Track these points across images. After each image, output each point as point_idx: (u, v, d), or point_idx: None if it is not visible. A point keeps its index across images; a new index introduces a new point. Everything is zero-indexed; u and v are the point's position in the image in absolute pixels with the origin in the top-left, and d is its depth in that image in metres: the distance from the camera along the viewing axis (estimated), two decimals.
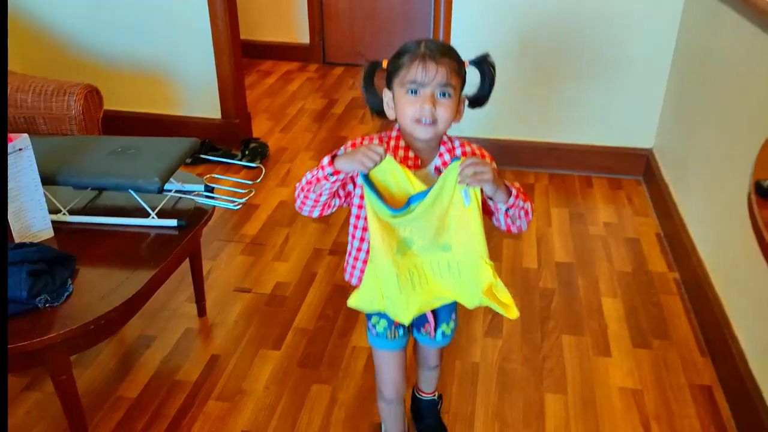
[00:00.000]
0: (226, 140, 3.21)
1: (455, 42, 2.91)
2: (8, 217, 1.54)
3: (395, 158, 1.17)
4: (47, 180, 1.62)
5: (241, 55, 3.22)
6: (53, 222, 1.66)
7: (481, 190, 1.16)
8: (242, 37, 3.31)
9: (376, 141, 1.21)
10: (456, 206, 1.16)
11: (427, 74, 1.13)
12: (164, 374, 1.87)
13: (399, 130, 1.23)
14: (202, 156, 1.92)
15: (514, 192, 1.19)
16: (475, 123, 2.76)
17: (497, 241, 2.49)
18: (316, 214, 1.23)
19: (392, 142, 1.23)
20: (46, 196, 1.62)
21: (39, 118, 2.42)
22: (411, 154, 1.22)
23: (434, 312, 1.37)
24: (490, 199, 1.19)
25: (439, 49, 1.16)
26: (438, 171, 1.22)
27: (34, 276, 1.37)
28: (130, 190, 1.70)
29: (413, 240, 1.19)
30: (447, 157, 1.23)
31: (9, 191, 1.51)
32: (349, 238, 1.31)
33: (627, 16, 2.75)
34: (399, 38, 4.59)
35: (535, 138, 3.06)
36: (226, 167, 2.99)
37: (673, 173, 2.65)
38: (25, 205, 1.56)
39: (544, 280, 2.29)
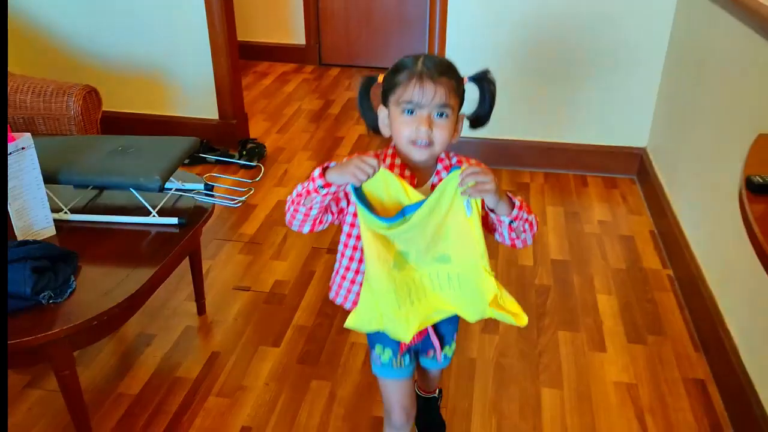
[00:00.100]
0: (223, 141, 3.23)
1: (451, 44, 2.94)
2: (11, 215, 1.56)
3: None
4: (49, 179, 1.64)
5: (238, 56, 3.24)
6: (55, 220, 1.67)
7: (482, 202, 1.12)
8: (238, 38, 3.33)
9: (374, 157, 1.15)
10: (455, 216, 1.12)
11: (425, 95, 1.09)
12: (165, 371, 1.89)
13: (395, 147, 1.19)
14: (201, 155, 1.93)
15: (517, 203, 1.14)
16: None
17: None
18: (306, 229, 1.18)
19: (388, 160, 1.18)
20: (47, 194, 1.63)
21: (38, 118, 2.43)
22: (407, 172, 1.18)
23: (439, 336, 1.33)
24: (492, 211, 1.14)
25: (436, 67, 1.10)
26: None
27: (38, 273, 1.39)
28: (131, 189, 1.72)
29: (409, 252, 1.15)
30: (444, 174, 1.16)
31: (12, 189, 1.53)
32: (338, 255, 1.26)
33: (620, 17, 2.78)
34: (395, 40, 4.60)
35: (531, 138, 3.09)
36: (223, 168, 3.01)
37: (667, 172, 2.69)
38: (28, 204, 1.58)
39: (539, 277, 2.32)
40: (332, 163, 1.11)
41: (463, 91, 1.15)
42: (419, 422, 1.67)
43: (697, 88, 2.39)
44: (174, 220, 1.72)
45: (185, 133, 2.42)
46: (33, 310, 1.38)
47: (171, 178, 1.84)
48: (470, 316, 1.19)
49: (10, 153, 1.50)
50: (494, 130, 3.20)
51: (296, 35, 4.63)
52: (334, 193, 1.11)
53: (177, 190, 1.87)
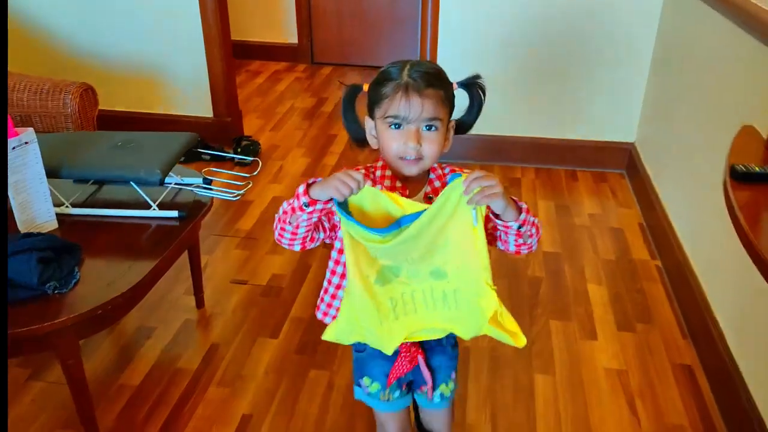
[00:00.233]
0: (218, 138, 3.26)
1: (442, 41, 2.99)
2: (14, 209, 1.58)
3: (381, 189, 1.07)
4: (51, 173, 1.67)
5: (231, 54, 3.27)
6: (56, 214, 1.70)
7: (488, 209, 1.06)
8: (231, 37, 3.36)
9: (362, 172, 1.08)
10: (457, 226, 1.05)
11: (411, 109, 1.04)
12: (165, 363, 1.92)
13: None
14: (199, 150, 1.96)
15: (524, 206, 1.08)
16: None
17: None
18: (297, 248, 1.12)
19: (378, 172, 1.14)
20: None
21: (35, 116, 2.45)
22: (398, 183, 1.13)
23: (432, 371, 1.25)
24: (497, 218, 1.07)
25: (424, 78, 1.05)
26: (428, 200, 1.12)
27: (43, 263, 1.42)
28: (131, 183, 1.75)
29: (400, 267, 1.09)
30: (437, 184, 1.14)
31: (15, 183, 1.56)
32: (328, 274, 1.21)
33: (608, 15, 2.83)
34: (387, 38, 4.64)
35: (522, 134, 3.14)
36: (219, 165, 3.03)
37: (655, 166, 2.74)
38: (31, 197, 1.61)
39: (532, 268, 2.37)
40: (318, 179, 1.05)
41: (453, 97, 1.10)
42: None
43: (683, 83, 2.45)
44: (174, 213, 1.76)
45: (180, 130, 2.45)
46: (39, 300, 1.41)
47: (170, 173, 1.87)
48: (465, 333, 1.13)
49: (14, 147, 1.53)
50: (485, 126, 3.25)
51: (288, 34, 4.66)
52: (321, 210, 1.04)
53: (176, 184, 1.90)
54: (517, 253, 1.14)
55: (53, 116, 2.45)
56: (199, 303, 2.14)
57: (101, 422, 1.67)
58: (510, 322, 1.11)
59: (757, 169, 1.38)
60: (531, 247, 1.14)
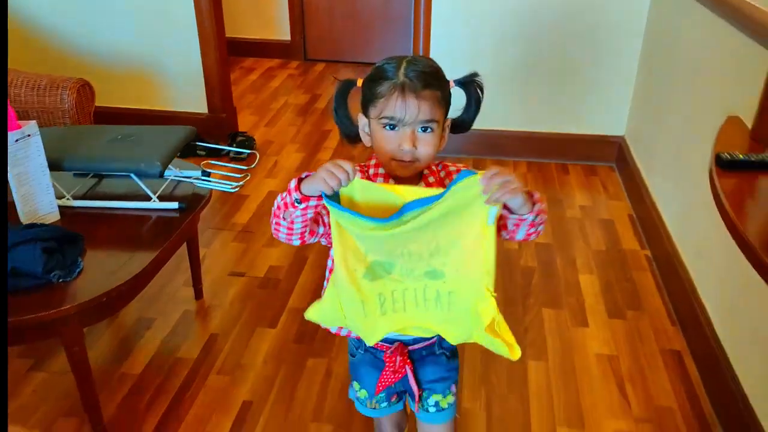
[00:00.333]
0: (213, 134, 3.28)
1: (435, 39, 3.03)
2: (17, 201, 1.61)
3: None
4: (53, 166, 1.69)
5: (226, 50, 3.30)
6: (58, 207, 1.73)
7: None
8: None
9: (358, 168, 1.03)
10: (468, 226, 1.00)
11: (408, 111, 1.01)
12: (165, 353, 1.95)
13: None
14: (198, 144, 1.99)
15: (537, 195, 1.03)
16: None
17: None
18: (295, 242, 1.07)
19: (371, 170, 1.11)
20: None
21: (32, 112, 2.47)
22: (391, 181, 1.09)
23: (420, 382, 1.22)
24: (510, 212, 1.01)
25: (420, 78, 1.02)
26: None
27: (47, 253, 1.45)
28: (131, 175, 1.78)
29: (394, 263, 1.04)
30: (432, 179, 1.11)
31: (18, 176, 1.59)
32: (327, 273, 1.15)
33: (598, 10, 2.88)
34: (379, 34, 4.67)
35: (514, 128, 3.18)
36: (215, 160, 3.06)
37: (644, 158, 2.80)
38: (33, 189, 1.63)
39: (524, 259, 2.41)
40: (311, 173, 1.00)
41: (449, 95, 1.07)
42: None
43: (671, 77, 2.50)
44: (174, 205, 1.79)
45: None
46: (43, 289, 1.44)
47: (169, 166, 1.90)
48: (454, 338, 1.08)
49: (17, 140, 1.55)
50: (478, 121, 3.30)
51: (281, 31, 4.69)
52: (315, 206, 0.99)
53: (175, 177, 1.93)
54: (526, 239, 1.09)
55: (50, 112, 2.47)
56: (198, 294, 2.17)
57: (104, 410, 1.70)
58: (507, 333, 1.05)
59: (741, 156, 1.44)
60: (539, 232, 1.08)
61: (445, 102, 1.06)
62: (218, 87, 3.28)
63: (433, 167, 1.13)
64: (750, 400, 1.62)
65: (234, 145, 3.18)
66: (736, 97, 1.83)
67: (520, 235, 1.07)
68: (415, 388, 1.21)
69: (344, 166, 0.95)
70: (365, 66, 4.60)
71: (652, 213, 2.52)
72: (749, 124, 1.66)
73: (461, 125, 1.13)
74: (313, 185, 0.97)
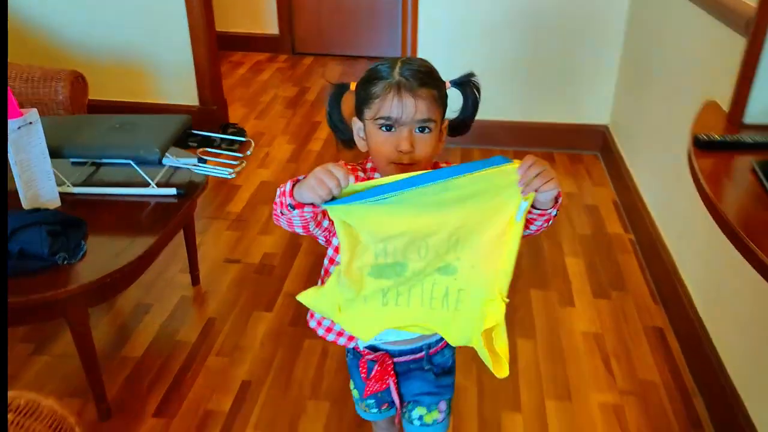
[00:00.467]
0: (204, 127, 3.27)
1: (423, 32, 3.09)
2: (19, 187, 1.65)
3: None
4: (53, 153, 1.73)
5: (216, 43, 3.34)
6: (59, 193, 1.77)
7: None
8: None
9: (348, 167, 0.97)
10: (492, 219, 0.93)
11: (404, 110, 0.98)
12: (164, 336, 2.00)
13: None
14: (194, 132, 2.03)
15: (560, 189, 0.96)
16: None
17: None
18: (300, 232, 1.02)
19: (361, 174, 1.08)
20: None
21: (27, 104, 2.50)
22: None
23: (402, 396, 1.20)
24: (534, 207, 0.94)
25: (416, 76, 0.99)
26: None
27: (52, 236, 1.49)
28: (131, 162, 1.82)
29: (406, 265, 0.96)
30: None
31: (21, 162, 1.63)
32: (322, 272, 1.13)
33: (582, 2, 2.95)
34: (367, 27, 4.71)
35: (500, 117, 3.25)
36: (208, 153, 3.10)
37: (627, 146, 2.88)
38: (35, 176, 1.67)
39: None
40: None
41: (446, 96, 1.05)
42: None
43: (652, 65, 2.58)
44: (172, 191, 1.83)
45: None
46: (49, 271, 1.48)
47: (166, 154, 1.94)
48: (455, 339, 1.03)
49: (19, 127, 1.59)
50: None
51: (269, 25, 4.72)
52: (312, 211, 0.95)
53: (172, 165, 1.97)
54: (536, 232, 1.02)
55: (45, 104, 2.50)
56: (195, 281, 2.22)
57: (107, 391, 1.74)
58: (502, 346, 0.99)
59: (718, 138, 1.51)
60: (550, 225, 1.03)
61: (442, 102, 1.03)
62: (209, 79, 3.32)
63: (440, 165, 1.07)
64: (728, 372, 1.70)
65: (223, 141, 3.21)
66: (713, 83, 1.91)
67: (532, 229, 1.01)
68: (396, 400, 1.18)
69: (335, 172, 0.89)
70: (353, 59, 4.66)
71: (635, 198, 2.60)
72: (726, 108, 1.73)
73: (459, 127, 1.11)
74: (303, 193, 0.91)
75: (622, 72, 3.04)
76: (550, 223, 1.01)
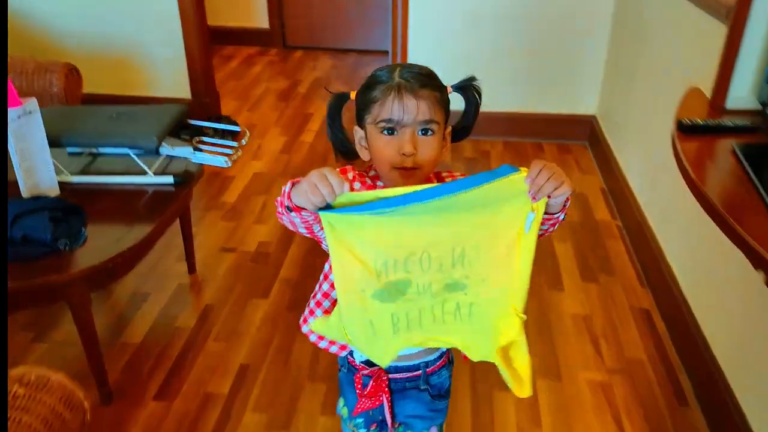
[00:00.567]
0: (197, 119, 3.34)
1: (413, 25, 3.12)
2: (19, 176, 1.68)
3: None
4: (52, 143, 1.75)
5: (208, 36, 3.37)
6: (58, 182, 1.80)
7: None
8: None
9: (345, 177, 0.90)
10: (507, 232, 0.90)
11: (406, 111, 0.95)
12: (163, 322, 2.03)
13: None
14: (190, 122, 2.06)
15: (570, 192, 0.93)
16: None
17: None
18: (304, 233, 0.99)
19: (368, 181, 1.04)
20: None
21: (21, 97, 2.51)
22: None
23: (394, 416, 1.16)
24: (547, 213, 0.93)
25: (416, 77, 0.97)
26: None
27: (54, 222, 1.52)
28: (128, 151, 1.85)
29: (410, 281, 0.92)
30: None
31: (21, 151, 1.65)
32: (321, 277, 1.10)
33: None
34: (357, 21, 4.73)
35: (490, 109, 3.27)
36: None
37: (614, 135, 2.94)
38: (35, 165, 1.70)
39: None
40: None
41: (448, 101, 1.03)
42: None
43: (638, 55, 2.63)
44: (170, 179, 1.86)
45: None
46: (52, 256, 1.51)
47: (162, 144, 1.97)
48: (474, 353, 0.99)
49: (19, 116, 1.62)
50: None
51: (260, 18, 4.74)
52: (312, 214, 0.91)
53: (168, 155, 2.01)
54: (542, 236, 0.98)
55: (39, 96, 2.49)
56: (191, 268, 2.25)
57: (108, 376, 1.78)
58: (522, 363, 0.95)
59: (700, 122, 1.57)
60: (556, 228, 1.02)
61: (444, 105, 1.01)
62: (201, 72, 3.34)
63: (435, 180, 1.05)
64: (712, 349, 1.76)
65: (216, 130, 3.24)
66: (696, 71, 1.96)
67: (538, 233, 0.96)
68: (389, 419, 1.14)
69: (330, 178, 0.84)
70: (344, 53, 4.69)
71: (622, 186, 2.66)
72: (708, 95, 1.79)
73: (461, 132, 1.09)
74: (298, 198, 0.88)
75: (609, 63, 3.09)
76: (556, 227, 1.00)
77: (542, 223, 0.94)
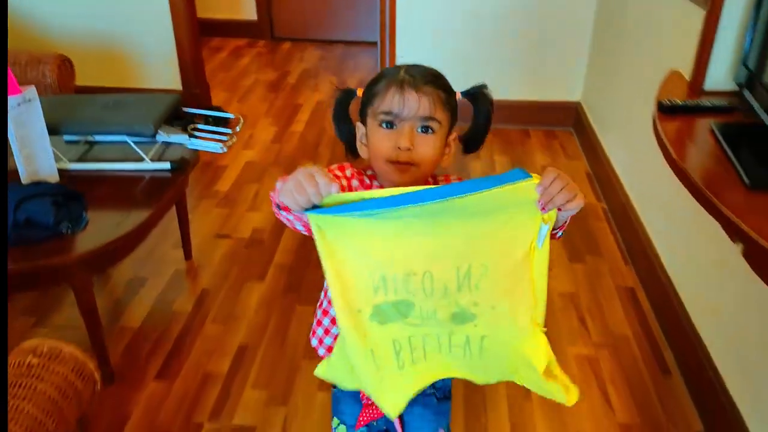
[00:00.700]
0: None
1: (400, 15, 3.17)
2: (19, 163, 1.71)
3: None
4: (51, 130, 1.78)
5: (197, 28, 3.39)
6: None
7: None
8: None
9: (333, 178, 0.83)
10: (516, 246, 0.84)
11: (406, 104, 0.94)
12: (161, 307, 2.08)
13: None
14: (186, 111, 2.10)
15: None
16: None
17: None
18: (302, 230, 0.95)
19: (366, 180, 1.02)
20: None
21: None
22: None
23: (404, 424, 1.13)
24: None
25: (422, 75, 0.96)
26: None
27: (56, 206, 1.56)
28: (126, 138, 1.89)
29: (413, 303, 0.85)
30: None
31: (21, 139, 1.69)
32: (325, 284, 1.01)
33: None
34: (345, 12, 4.76)
35: None
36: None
37: (598, 120, 3.00)
38: (34, 152, 1.73)
39: None
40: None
41: (455, 106, 1.00)
42: None
43: (621, 41, 2.70)
44: (167, 165, 1.90)
45: None
46: (54, 239, 1.55)
47: (158, 131, 2.01)
48: (482, 379, 0.95)
49: (19, 104, 1.65)
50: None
51: (248, 10, 4.76)
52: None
53: (164, 142, 2.05)
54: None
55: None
56: (187, 255, 2.30)
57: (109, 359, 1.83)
58: (561, 372, 0.91)
59: (680, 102, 1.63)
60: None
61: (450, 107, 0.98)
62: (191, 64, 3.37)
63: (441, 178, 1.03)
64: (695, 323, 1.84)
65: (210, 118, 3.27)
66: (676, 55, 2.03)
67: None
68: (398, 427, 1.11)
69: (317, 177, 0.79)
70: (332, 44, 4.72)
71: (606, 169, 2.73)
72: (688, 77, 1.86)
73: (471, 141, 1.05)
74: (283, 196, 0.82)
75: (593, 50, 3.16)
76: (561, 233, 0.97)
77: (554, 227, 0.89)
